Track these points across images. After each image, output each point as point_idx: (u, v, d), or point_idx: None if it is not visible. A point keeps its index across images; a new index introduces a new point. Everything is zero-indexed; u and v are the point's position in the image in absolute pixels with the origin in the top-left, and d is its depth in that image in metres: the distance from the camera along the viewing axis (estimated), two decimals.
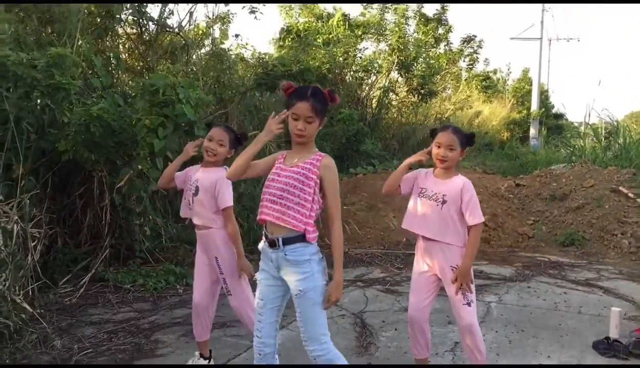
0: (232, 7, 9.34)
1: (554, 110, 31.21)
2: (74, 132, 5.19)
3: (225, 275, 3.63)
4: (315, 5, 14.56)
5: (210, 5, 9.09)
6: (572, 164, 11.81)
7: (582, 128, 18.40)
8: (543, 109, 27.47)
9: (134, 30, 8.28)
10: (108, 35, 7.57)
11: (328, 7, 14.77)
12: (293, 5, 14.52)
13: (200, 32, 9.36)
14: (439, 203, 3.37)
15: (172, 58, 8.39)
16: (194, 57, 8.77)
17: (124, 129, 5.40)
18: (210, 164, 3.66)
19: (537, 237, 8.39)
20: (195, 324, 3.82)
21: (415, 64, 13.54)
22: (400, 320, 5.00)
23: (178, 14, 19.10)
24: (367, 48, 13.99)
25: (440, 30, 17.82)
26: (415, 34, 16.40)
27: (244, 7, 8.98)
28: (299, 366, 3.12)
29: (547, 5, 28.30)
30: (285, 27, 12.19)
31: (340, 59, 11.07)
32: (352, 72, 12.09)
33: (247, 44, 9.60)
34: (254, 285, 3.11)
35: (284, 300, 2.95)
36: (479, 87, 22.39)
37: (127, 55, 8.45)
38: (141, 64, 8.27)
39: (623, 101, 45.63)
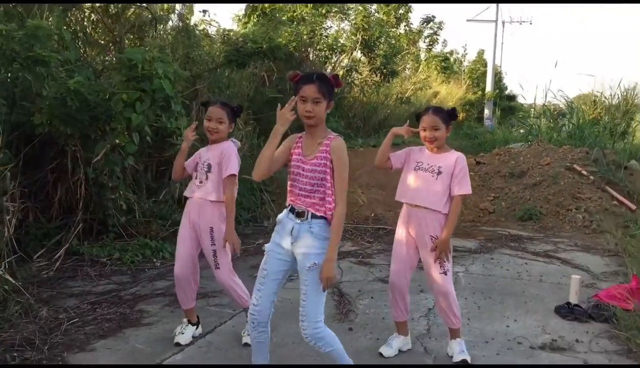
0: None
1: (507, 92, 32.01)
2: (48, 106, 5.15)
3: (217, 247, 3.73)
4: None
5: None
6: (529, 142, 12.25)
7: (533, 109, 18.96)
8: (497, 90, 28.18)
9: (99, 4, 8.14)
10: (73, 8, 7.43)
11: None
12: None
13: (166, 6, 9.27)
14: (435, 174, 3.58)
15: (140, 33, 8.30)
16: (162, 32, 8.70)
17: (99, 103, 5.39)
18: (215, 141, 3.76)
19: (498, 212, 8.76)
20: (178, 294, 3.92)
21: (378, 44, 13.71)
22: (375, 289, 5.22)
23: None
24: (331, 27, 14.09)
25: (401, 10, 18.03)
26: (377, 14, 16.55)
27: None
28: (304, 366, 3.26)
29: None
30: (251, 5, 12.14)
31: (306, 37, 11.12)
32: (317, 51, 12.16)
33: (212, 20, 9.58)
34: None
35: (286, 275, 3.09)
36: (438, 67, 22.77)
37: (91, 28, 8.32)
38: (108, 38, 8.16)
39: (575, 83, 46.88)
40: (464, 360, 3.67)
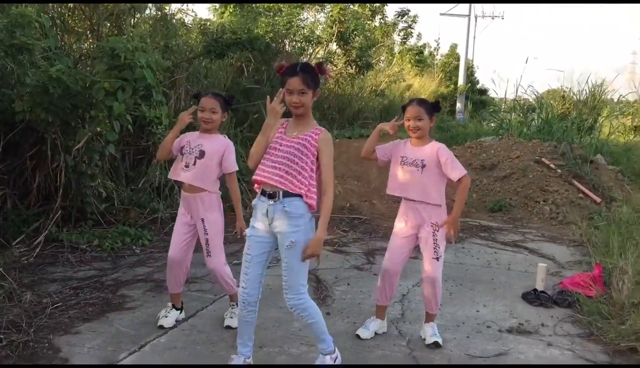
0: None
1: (478, 86, 32.47)
2: (29, 93, 5.18)
3: (210, 236, 3.87)
4: None
5: None
6: (500, 136, 12.54)
7: (503, 104, 19.35)
8: (469, 84, 28.57)
9: None
10: None
11: None
12: None
13: None
14: (420, 168, 3.75)
15: (118, 21, 8.30)
16: (140, 21, 8.70)
17: (79, 92, 5.43)
18: (208, 131, 3.88)
19: (469, 203, 8.99)
20: (168, 277, 4.04)
21: (353, 36, 13.83)
22: (351, 276, 5.40)
23: None
24: (307, 18, 14.17)
25: (376, 4, 18.16)
26: (352, 6, 16.66)
27: None
28: (303, 366, 3.42)
29: None
30: None
31: (282, 28, 11.19)
32: (293, 42, 12.23)
33: (189, 9, 9.60)
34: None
35: (269, 255, 3.26)
36: (412, 60, 22.99)
37: (68, 15, 8.28)
38: (85, 25, 8.14)
39: (545, 78, 47.76)
40: (436, 342, 3.87)
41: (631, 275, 4.81)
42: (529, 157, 10.05)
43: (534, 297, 4.89)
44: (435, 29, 73.92)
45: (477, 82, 32.77)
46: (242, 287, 3.20)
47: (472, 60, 32.88)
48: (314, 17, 14.80)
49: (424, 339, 3.95)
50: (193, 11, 10.87)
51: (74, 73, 5.48)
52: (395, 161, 3.92)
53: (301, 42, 12.38)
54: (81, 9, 8.09)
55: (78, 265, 5.30)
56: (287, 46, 12.36)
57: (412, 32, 21.93)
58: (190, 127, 4.03)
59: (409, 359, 3.71)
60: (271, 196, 3.10)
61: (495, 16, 34.75)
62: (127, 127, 5.98)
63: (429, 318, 4.00)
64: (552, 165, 9.69)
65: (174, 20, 9.24)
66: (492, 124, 16.47)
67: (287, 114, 3.21)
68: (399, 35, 21.47)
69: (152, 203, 7.00)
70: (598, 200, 8.71)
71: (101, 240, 5.88)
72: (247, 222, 3.33)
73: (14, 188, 6.09)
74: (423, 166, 3.77)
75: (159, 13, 8.92)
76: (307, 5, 14.18)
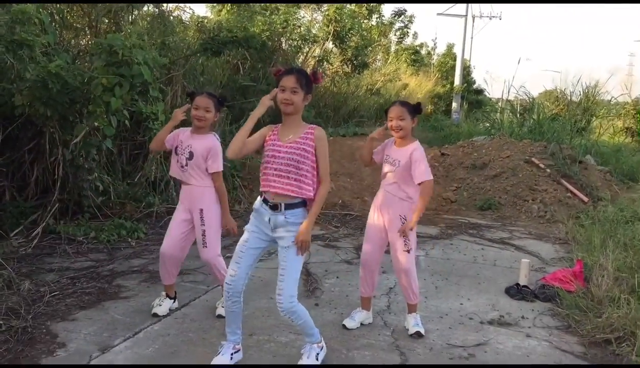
0: None
1: (475, 86, 32.63)
2: (28, 88, 5.31)
3: (206, 227, 4.01)
4: None
5: None
6: (492, 136, 12.71)
7: (500, 104, 19.55)
8: (465, 84, 28.74)
9: None
10: None
11: None
12: None
13: None
14: (396, 166, 3.93)
15: (116, 17, 8.43)
16: (137, 17, 8.83)
17: (77, 87, 5.57)
18: (200, 129, 4.02)
19: (459, 201, 9.18)
20: (161, 269, 4.19)
21: (349, 35, 13.99)
22: (340, 270, 5.55)
23: None
24: (304, 17, 14.32)
25: (373, 3, 18.33)
26: (349, 5, 16.82)
27: None
28: (301, 367, 3.51)
29: None
30: None
31: (279, 27, 11.34)
32: (289, 41, 12.38)
33: (187, 7, 9.72)
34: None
35: (263, 251, 3.43)
36: (408, 60, 23.17)
37: (67, 12, 8.41)
38: (84, 21, 8.28)
39: (541, 79, 47.93)
40: (418, 332, 4.04)
41: (611, 271, 4.99)
42: (519, 157, 10.22)
43: (516, 291, 5.06)
44: (432, 28, 74.06)
45: (474, 82, 32.89)
46: (231, 274, 3.34)
47: (469, 60, 33.04)
48: (310, 16, 14.97)
49: (407, 329, 4.10)
50: (190, 9, 11.01)
51: (73, 69, 5.63)
52: (383, 159, 4.12)
53: (297, 41, 12.53)
54: (80, 6, 8.22)
55: (75, 256, 5.45)
56: (283, 44, 12.52)
57: (408, 32, 22.09)
58: (184, 124, 4.17)
59: (393, 348, 3.86)
60: (273, 208, 3.25)
61: (493, 16, 34.89)
62: (124, 122, 6.14)
63: (411, 309, 4.16)
64: (541, 165, 9.86)
65: (172, 18, 9.40)
66: (486, 124, 16.66)
67: (277, 120, 3.36)
68: (395, 34, 21.62)
69: (148, 198, 7.14)
70: (585, 199, 8.89)
71: (98, 233, 6.02)
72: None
73: (12, 181, 6.24)
74: (398, 166, 3.97)
75: (157, 10, 9.06)
76: (304, 3, 14.34)
